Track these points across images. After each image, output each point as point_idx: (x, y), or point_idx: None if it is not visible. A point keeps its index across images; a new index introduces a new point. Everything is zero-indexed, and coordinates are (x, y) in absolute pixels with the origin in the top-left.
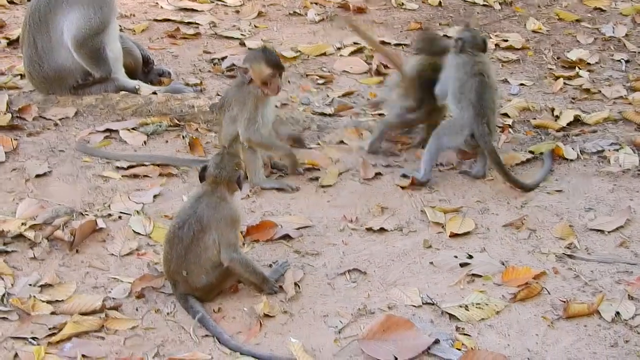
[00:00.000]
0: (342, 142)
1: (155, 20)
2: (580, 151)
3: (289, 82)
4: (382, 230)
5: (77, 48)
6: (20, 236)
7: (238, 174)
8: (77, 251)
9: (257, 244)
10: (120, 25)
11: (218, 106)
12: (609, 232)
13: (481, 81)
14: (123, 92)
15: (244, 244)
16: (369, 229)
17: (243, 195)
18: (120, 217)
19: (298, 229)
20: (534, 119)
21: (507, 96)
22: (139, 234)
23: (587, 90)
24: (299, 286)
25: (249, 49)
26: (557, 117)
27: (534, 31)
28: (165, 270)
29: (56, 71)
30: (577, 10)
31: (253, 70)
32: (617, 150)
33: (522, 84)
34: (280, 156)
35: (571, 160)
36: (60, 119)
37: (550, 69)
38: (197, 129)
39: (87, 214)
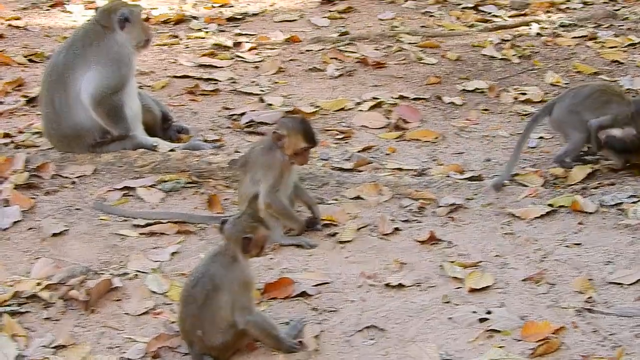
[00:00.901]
0: (360, 197)
1: (175, 76)
2: (599, 204)
3: None
4: (400, 286)
5: (95, 106)
6: (34, 296)
7: (248, 236)
8: (92, 311)
9: (274, 301)
10: (139, 82)
11: (240, 163)
12: (628, 285)
13: None
14: (141, 150)
15: (261, 301)
16: (387, 285)
17: None
18: (136, 276)
19: (316, 285)
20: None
21: (527, 149)
22: (155, 292)
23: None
24: (317, 343)
25: (284, 115)
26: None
27: (552, 84)
28: (180, 330)
29: (74, 129)
30: (595, 63)
31: (288, 139)
32: (635, 202)
33: (540, 137)
34: (291, 226)
35: (590, 213)
36: (77, 177)
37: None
38: (215, 186)
39: (103, 273)
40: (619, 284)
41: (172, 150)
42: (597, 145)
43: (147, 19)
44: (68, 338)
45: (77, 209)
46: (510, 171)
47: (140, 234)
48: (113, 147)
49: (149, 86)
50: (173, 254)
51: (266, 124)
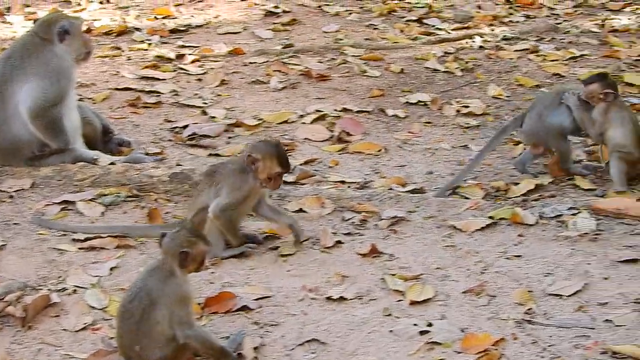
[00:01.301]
0: (302, 210)
1: (116, 89)
2: (539, 216)
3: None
4: (342, 299)
5: (33, 119)
6: None
7: (186, 251)
8: (29, 327)
9: (215, 316)
10: (80, 95)
11: (206, 173)
12: (567, 296)
13: None
14: (81, 163)
15: (202, 316)
16: (329, 298)
17: None
18: (75, 291)
19: (257, 299)
20: (493, 188)
21: (468, 162)
22: (94, 308)
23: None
24: (256, 354)
25: (261, 140)
26: (517, 183)
27: (494, 97)
28: (118, 345)
29: (11, 142)
30: (537, 76)
31: (262, 163)
32: (575, 214)
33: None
34: (232, 241)
35: (530, 225)
36: (15, 191)
37: (511, 134)
38: (156, 199)
39: (41, 289)
40: (558, 295)
41: (112, 163)
42: None
43: (88, 31)
44: (4, 355)
45: (14, 223)
46: (460, 180)
47: (80, 248)
48: (52, 161)
49: (90, 98)
50: (112, 268)
51: (209, 136)
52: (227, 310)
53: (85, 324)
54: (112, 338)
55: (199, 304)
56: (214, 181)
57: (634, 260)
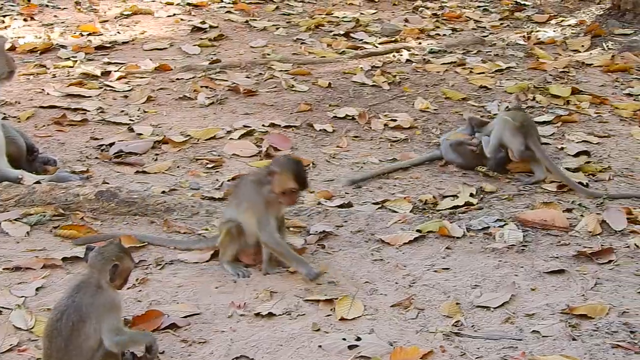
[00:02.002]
0: None
1: (41, 107)
2: (466, 228)
3: (177, 167)
4: (270, 315)
5: None
6: None
7: (112, 265)
8: None
9: None
10: (4, 113)
11: (231, 186)
12: (494, 308)
13: None
14: (5, 183)
15: None
16: (258, 314)
17: (129, 285)
18: (0, 312)
19: (185, 317)
20: (421, 202)
21: (398, 175)
22: (20, 329)
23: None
24: None
25: (276, 159)
26: (445, 196)
27: (422, 110)
28: None
29: None
30: (464, 89)
31: (279, 177)
32: (502, 226)
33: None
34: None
35: (458, 237)
36: None
37: (439, 147)
38: (82, 218)
39: None
40: (486, 307)
41: (37, 182)
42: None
43: (12, 49)
44: None
45: None
46: (371, 176)
47: (4, 269)
48: None
49: (15, 117)
50: (38, 288)
51: (135, 154)
52: (154, 328)
53: (11, 345)
54: (39, 359)
55: (127, 322)
56: (235, 193)
57: (560, 271)
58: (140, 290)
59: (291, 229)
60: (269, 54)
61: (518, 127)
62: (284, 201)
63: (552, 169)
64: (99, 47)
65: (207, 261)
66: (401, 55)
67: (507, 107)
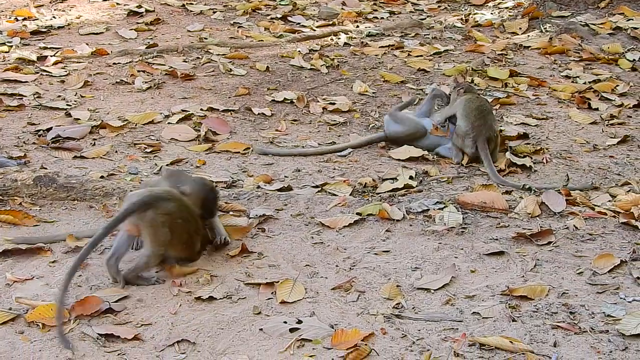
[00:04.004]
0: None
1: None
2: (406, 211)
3: (116, 152)
4: (211, 298)
5: None
6: None
7: None
8: None
9: (82, 319)
10: None
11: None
12: (434, 290)
13: None
14: None
15: (69, 320)
16: (198, 298)
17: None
18: None
19: (121, 300)
20: (361, 185)
21: (337, 159)
22: None
23: None
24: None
25: (195, 180)
26: (385, 179)
27: (360, 93)
28: None
29: None
30: (402, 72)
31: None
32: (442, 209)
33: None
34: None
35: (397, 220)
36: None
37: (377, 130)
38: (20, 203)
39: None
40: (426, 289)
41: None
42: None
43: None
44: None
45: None
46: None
47: None
48: None
49: None
50: None
51: (73, 139)
52: (93, 312)
53: None
54: None
55: (66, 308)
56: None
57: (499, 253)
58: (80, 275)
59: (230, 212)
60: (206, 38)
61: (474, 124)
62: None
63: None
64: (35, 32)
65: None
66: (339, 38)
67: (458, 86)
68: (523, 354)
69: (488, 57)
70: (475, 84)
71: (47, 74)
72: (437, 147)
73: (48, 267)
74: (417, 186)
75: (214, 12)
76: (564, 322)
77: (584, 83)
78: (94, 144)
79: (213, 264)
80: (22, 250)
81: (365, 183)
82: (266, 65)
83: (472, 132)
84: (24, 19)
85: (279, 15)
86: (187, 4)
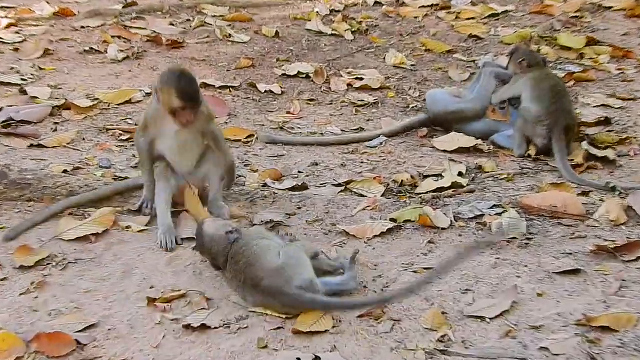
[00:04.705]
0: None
1: None
2: (454, 217)
3: (83, 139)
4: (204, 327)
5: None
6: None
7: None
8: None
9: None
10: None
11: None
12: (491, 319)
13: None
14: None
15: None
16: (188, 327)
17: (22, 290)
18: None
19: (86, 329)
20: (396, 183)
21: (365, 150)
22: None
23: None
24: None
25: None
26: (427, 176)
27: (395, 66)
28: None
29: None
30: (449, 40)
31: (162, 95)
32: (500, 214)
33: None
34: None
35: (443, 228)
36: None
37: (418, 113)
38: None
39: None
40: (480, 317)
41: None
42: None
43: None
44: None
45: None
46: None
47: None
48: None
49: None
50: None
51: (29, 122)
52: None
53: None
54: None
55: (25, 341)
56: None
57: (574, 271)
58: (36, 297)
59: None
60: None
61: (549, 108)
62: (177, 122)
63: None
64: None
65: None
66: None
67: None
68: None
69: (558, 21)
70: (543, 55)
71: None
72: (494, 134)
73: None
74: (468, 185)
75: None
76: None
77: None
78: (56, 130)
79: (206, 282)
80: None
81: (402, 181)
82: (275, 29)
83: (547, 119)
84: None
85: None
86: None
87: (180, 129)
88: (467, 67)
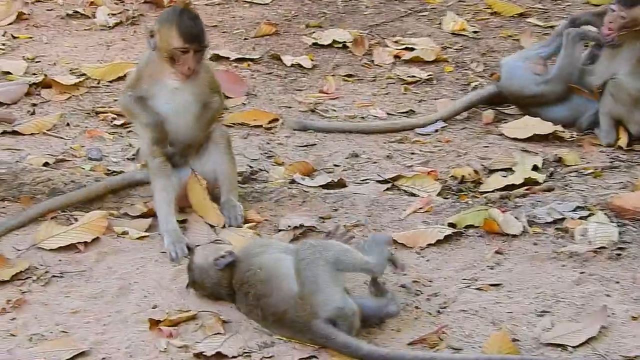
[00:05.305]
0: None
1: None
2: (528, 222)
3: (67, 124)
4: (219, 356)
5: None
6: None
7: None
8: None
9: None
10: None
11: None
12: (574, 347)
13: None
14: None
15: None
16: (199, 356)
17: None
18: None
19: (75, 357)
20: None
21: (417, 137)
22: None
23: None
24: None
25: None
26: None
27: (454, 33)
28: None
29: None
30: (521, 0)
31: (160, 36)
32: (586, 218)
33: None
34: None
35: (514, 236)
36: None
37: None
38: None
39: None
40: (560, 345)
41: None
42: None
43: None
44: None
45: None
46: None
47: None
48: None
49: None
50: None
51: (2, 104)
52: None
53: None
54: None
55: None
56: None
57: None
58: (13, 319)
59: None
60: None
61: None
62: (176, 70)
63: None
64: None
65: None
66: None
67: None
68: None
69: None
70: None
71: None
72: (582, 117)
73: None
74: (545, 182)
75: None
76: None
77: None
78: (34, 113)
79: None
80: None
81: (463, 176)
82: None
83: None
84: None
85: None
86: None
87: (179, 86)
88: (544, 33)
